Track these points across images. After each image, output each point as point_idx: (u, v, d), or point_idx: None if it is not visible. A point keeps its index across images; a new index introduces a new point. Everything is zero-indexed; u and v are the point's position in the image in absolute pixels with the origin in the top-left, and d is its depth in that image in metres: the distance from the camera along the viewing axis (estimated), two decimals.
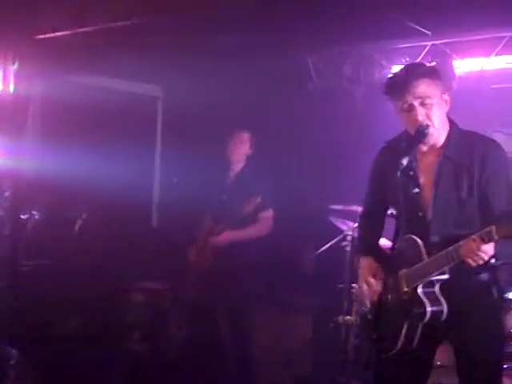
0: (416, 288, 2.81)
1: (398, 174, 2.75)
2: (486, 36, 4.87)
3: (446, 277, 2.77)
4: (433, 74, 2.89)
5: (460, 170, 2.82)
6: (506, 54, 5.00)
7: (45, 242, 5.60)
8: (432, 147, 2.91)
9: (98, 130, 6.20)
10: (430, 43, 5.09)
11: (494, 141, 2.94)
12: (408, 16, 4.52)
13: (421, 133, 2.81)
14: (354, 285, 3.99)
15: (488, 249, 2.59)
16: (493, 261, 2.74)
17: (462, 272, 2.71)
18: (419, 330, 2.83)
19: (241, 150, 4.97)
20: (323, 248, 4.99)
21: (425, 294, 2.79)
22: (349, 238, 4.73)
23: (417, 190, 2.89)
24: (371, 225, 3.15)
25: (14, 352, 4.78)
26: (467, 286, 2.79)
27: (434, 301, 2.79)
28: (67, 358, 5.13)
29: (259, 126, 5.81)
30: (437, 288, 2.80)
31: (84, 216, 5.76)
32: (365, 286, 3.02)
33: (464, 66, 5.21)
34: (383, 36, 4.99)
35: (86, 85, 6.12)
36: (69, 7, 4.58)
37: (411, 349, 2.85)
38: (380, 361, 2.69)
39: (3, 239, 5.26)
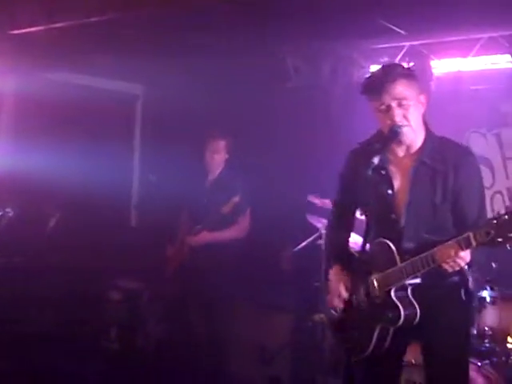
0: (389, 292, 2.81)
1: (369, 172, 2.74)
2: (464, 37, 4.87)
3: (418, 281, 2.79)
4: (410, 75, 2.90)
5: (435, 176, 2.83)
6: (484, 54, 5.01)
7: (18, 239, 5.54)
8: (408, 151, 2.91)
9: (75, 128, 6.16)
10: (407, 44, 5.08)
11: (467, 149, 2.97)
12: (385, 16, 4.51)
13: (394, 132, 2.81)
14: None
15: (464, 255, 2.61)
16: (466, 267, 2.75)
17: (432, 275, 2.73)
18: (391, 333, 2.84)
19: (217, 159, 5.02)
20: (300, 246, 4.98)
21: (398, 297, 2.81)
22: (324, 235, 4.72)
23: (390, 191, 2.89)
24: (341, 225, 3.14)
25: None
26: (437, 289, 2.81)
27: (408, 304, 2.80)
28: (43, 356, 5.10)
29: (237, 123, 5.81)
30: (409, 291, 2.81)
31: (58, 214, 5.70)
32: (335, 293, 3.00)
33: (441, 66, 5.21)
34: (360, 36, 4.98)
35: (62, 82, 6.05)
36: (43, 2, 4.52)
37: (382, 350, 2.85)
38: (350, 363, 2.68)
39: None
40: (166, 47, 5.10)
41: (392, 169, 2.91)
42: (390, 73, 2.84)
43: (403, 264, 2.76)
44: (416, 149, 2.90)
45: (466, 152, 2.91)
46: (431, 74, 5.10)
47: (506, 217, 2.46)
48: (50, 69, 5.59)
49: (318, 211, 4.72)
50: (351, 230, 3.16)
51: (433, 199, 2.82)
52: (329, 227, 3.25)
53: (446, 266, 2.64)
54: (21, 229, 5.63)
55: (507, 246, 2.49)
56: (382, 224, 2.90)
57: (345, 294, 2.94)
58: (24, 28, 4.69)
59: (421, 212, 2.84)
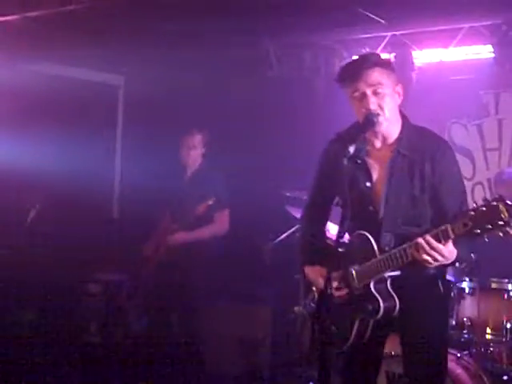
0: (368, 284, 2.79)
1: (345, 161, 2.70)
2: (445, 27, 4.87)
3: (397, 273, 2.77)
4: (386, 64, 2.89)
5: (412, 167, 2.82)
6: (465, 45, 5.01)
7: None
8: (385, 142, 2.89)
9: (54, 119, 6.08)
10: (389, 34, 5.07)
11: (444, 141, 2.95)
12: (366, 6, 4.49)
13: (369, 121, 2.79)
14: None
15: (442, 248, 2.58)
16: (457, 265, 2.75)
17: (410, 267, 2.71)
18: (370, 325, 2.82)
19: (193, 154, 4.95)
20: (280, 238, 4.96)
21: (377, 290, 2.79)
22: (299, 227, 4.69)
23: (369, 184, 2.87)
24: (316, 216, 3.11)
25: None
26: (415, 281, 2.80)
27: (387, 296, 2.79)
28: (22, 350, 5.06)
29: (218, 113, 5.76)
30: (388, 283, 2.79)
31: (38, 206, 5.63)
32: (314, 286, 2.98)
33: (423, 57, 5.21)
34: (342, 26, 4.96)
35: (39, 72, 5.97)
36: None
37: (361, 343, 2.85)
38: (326, 356, 2.67)
39: None
40: (145, 36, 5.04)
41: (370, 160, 2.88)
42: (366, 60, 2.84)
43: (382, 256, 2.74)
44: (393, 140, 2.87)
45: (443, 144, 2.89)
46: (413, 64, 5.09)
47: (484, 208, 2.44)
48: (28, 60, 5.51)
49: (298, 203, 4.69)
50: (326, 221, 3.13)
51: (411, 190, 2.81)
52: (304, 218, 3.20)
53: (425, 259, 2.61)
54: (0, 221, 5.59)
55: (485, 237, 2.48)
56: (360, 216, 2.87)
57: (323, 287, 2.91)
58: None
59: (399, 203, 2.81)
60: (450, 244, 2.60)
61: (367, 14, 4.60)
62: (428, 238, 2.58)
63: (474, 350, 3.94)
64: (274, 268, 5.30)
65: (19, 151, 5.65)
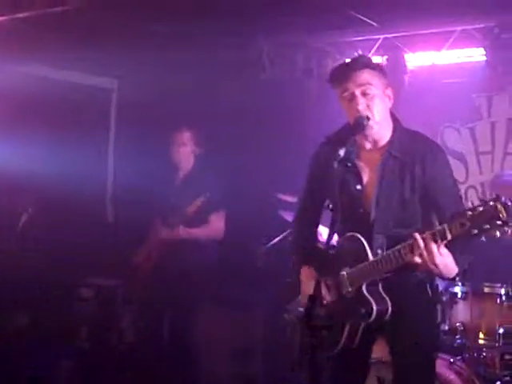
0: (360, 287, 2.78)
1: (335, 164, 2.69)
2: (438, 30, 4.86)
3: (388, 275, 2.75)
4: (376, 66, 2.91)
5: (403, 169, 2.81)
6: (457, 48, 5.00)
7: None
8: (376, 145, 2.88)
9: (48, 122, 6.04)
10: (382, 36, 5.06)
11: (437, 144, 2.95)
12: (358, 9, 4.48)
13: (359, 124, 2.78)
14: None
15: (435, 252, 2.54)
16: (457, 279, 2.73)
17: (399, 270, 2.70)
18: (361, 329, 2.81)
19: (184, 152, 4.85)
20: (273, 241, 4.93)
21: (370, 292, 2.77)
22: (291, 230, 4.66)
23: (359, 186, 2.86)
24: (307, 219, 3.10)
25: None
26: (404, 284, 2.79)
27: (379, 299, 2.77)
28: (14, 354, 5.02)
29: (211, 116, 5.74)
30: (380, 286, 2.78)
31: (30, 210, 5.59)
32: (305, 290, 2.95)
33: (415, 60, 5.21)
34: (334, 29, 4.96)
35: (30, 74, 5.94)
36: None
37: (350, 347, 2.82)
38: (316, 360, 2.64)
39: None
40: (138, 39, 5.02)
41: (360, 163, 2.88)
42: (357, 62, 2.88)
43: (375, 259, 2.73)
44: (384, 143, 2.87)
45: (435, 147, 2.88)
46: (405, 67, 5.09)
47: (481, 208, 2.42)
48: (17, 61, 5.47)
49: (291, 207, 4.67)
50: (317, 225, 3.12)
51: (402, 193, 2.80)
52: (294, 222, 3.19)
53: (418, 261, 2.59)
54: None
55: (483, 237, 2.45)
56: (351, 218, 2.86)
57: (313, 290, 2.89)
58: None
59: (390, 205, 2.81)
60: (446, 256, 2.57)
61: (359, 16, 4.60)
62: (425, 234, 2.56)
63: (467, 355, 3.91)
64: (267, 272, 5.28)
65: (11, 155, 5.62)
